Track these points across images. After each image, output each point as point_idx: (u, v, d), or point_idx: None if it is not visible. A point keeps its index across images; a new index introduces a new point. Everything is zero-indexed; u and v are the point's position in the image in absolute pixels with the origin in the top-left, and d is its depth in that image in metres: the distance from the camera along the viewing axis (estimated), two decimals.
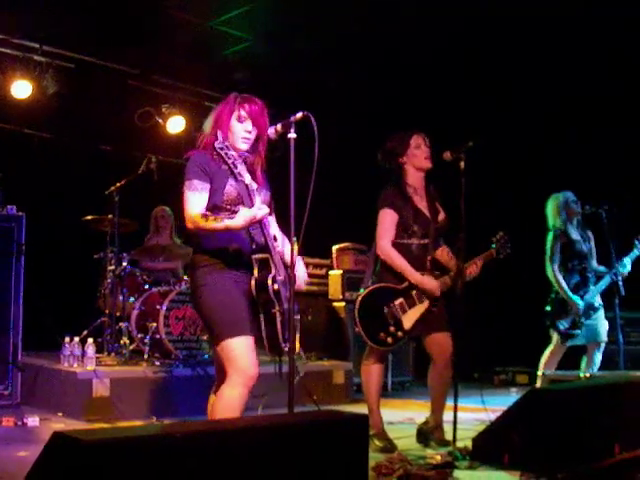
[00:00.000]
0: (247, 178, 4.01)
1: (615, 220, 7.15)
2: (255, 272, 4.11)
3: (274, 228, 4.45)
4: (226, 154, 3.93)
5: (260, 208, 3.95)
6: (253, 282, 4.10)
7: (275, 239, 4.29)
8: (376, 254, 5.61)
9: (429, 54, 9.05)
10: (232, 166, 3.94)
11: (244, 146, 4.29)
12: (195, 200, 4.09)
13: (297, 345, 4.21)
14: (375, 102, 9.89)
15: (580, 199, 7.42)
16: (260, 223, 4.01)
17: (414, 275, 5.45)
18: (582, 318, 7.19)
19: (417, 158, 5.64)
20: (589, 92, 8.83)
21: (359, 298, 5.51)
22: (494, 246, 5.70)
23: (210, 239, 4.14)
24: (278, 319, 4.10)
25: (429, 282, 5.45)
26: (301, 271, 4.39)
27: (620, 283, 7.16)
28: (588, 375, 6.65)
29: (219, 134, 4.06)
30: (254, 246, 4.13)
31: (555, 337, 7.35)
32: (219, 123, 4.27)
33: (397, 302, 5.45)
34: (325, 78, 9.68)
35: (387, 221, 5.55)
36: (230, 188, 4.12)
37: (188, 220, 4.09)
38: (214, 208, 4.00)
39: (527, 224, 7.82)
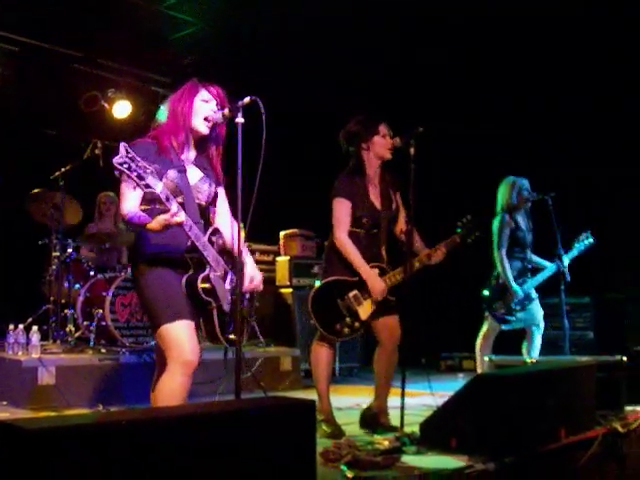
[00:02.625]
0: (158, 186, 3.79)
1: (560, 208, 7.22)
2: (189, 271, 4.11)
3: (223, 217, 4.41)
4: (128, 168, 3.67)
5: (175, 215, 3.85)
6: (183, 282, 4.10)
7: (217, 232, 4.26)
8: (331, 243, 5.58)
9: (379, 36, 9.03)
10: (136, 179, 3.70)
11: (205, 129, 4.26)
12: (129, 195, 4.07)
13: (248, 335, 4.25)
14: (324, 86, 9.87)
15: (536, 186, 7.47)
16: (181, 227, 3.93)
17: (364, 271, 5.44)
18: (518, 306, 7.27)
19: (381, 147, 5.59)
20: (536, 73, 8.92)
21: (312, 293, 5.51)
22: (459, 231, 5.65)
23: (148, 234, 4.11)
24: (215, 315, 4.12)
25: (375, 282, 5.44)
26: (253, 271, 4.39)
27: (566, 269, 7.23)
28: (534, 360, 6.72)
29: (122, 147, 3.71)
30: (189, 243, 4.08)
31: (488, 320, 7.45)
32: (179, 106, 4.23)
33: (351, 294, 5.44)
34: (274, 62, 9.63)
35: (342, 211, 5.52)
36: (166, 181, 4.06)
37: (120, 215, 4.11)
38: (149, 201, 4.03)
39: (475, 208, 7.86)
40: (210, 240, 4.18)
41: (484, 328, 7.50)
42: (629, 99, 8.63)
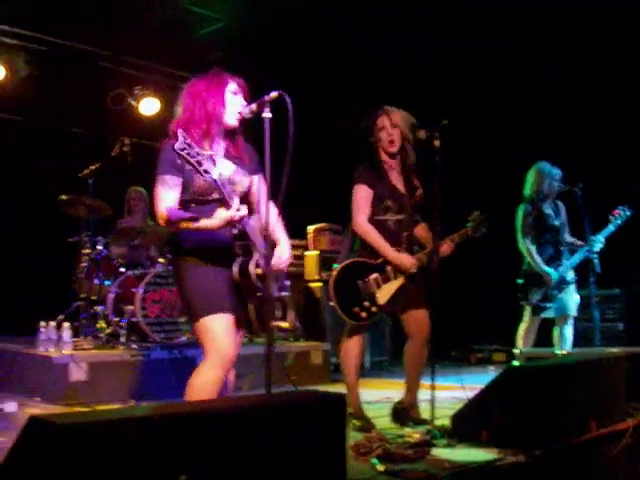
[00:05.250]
0: (214, 172, 3.82)
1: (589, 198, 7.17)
2: (238, 258, 4.09)
3: (262, 205, 4.26)
4: (188, 154, 3.73)
5: (238, 209, 3.88)
6: (236, 268, 4.07)
7: (257, 220, 4.24)
8: (352, 230, 5.59)
9: (404, 26, 9.01)
10: (196, 165, 3.75)
11: (235, 122, 4.25)
12: (166, 196, 4.04)
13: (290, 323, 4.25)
14: (351, 80, 9.86)
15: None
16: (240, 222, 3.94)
17: (389, 251, 5.44)
18: (554, 291, 7.18)
19: (382, 141, 5.61)
20: (566, 66, 8.86)
21: (334, 272, 5.48)
22: (469, 225, 5.69)
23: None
24: (265, 302, 4.04)
25: (404, 259, 5.45)
26: (281, 250, 4.34)
27: (596, 261, 7.16)
28: (564, 352, 6.69)
29: (180, 134, 3.78)
30: (235, 232, 4.07)
31: (527, 311, 7.36)
32: (209, 97, 4.18)
33: (372, 277, 5.43)
34: (299, 57, 9.63)
35: (361, 197, 5.52)
36: (199, 181, 4.04)
37: (159, 217, 4.06)
38: (185, 202, 4.03)
39: (501, 199, 7.81)
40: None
41: (524, 322, 7.39)
42: None
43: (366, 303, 5.39)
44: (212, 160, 3.90)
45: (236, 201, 3.88)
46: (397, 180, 5.64)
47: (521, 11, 8.31)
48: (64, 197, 8.06)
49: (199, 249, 4.13)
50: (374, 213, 5.53)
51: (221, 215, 3.88)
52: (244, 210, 3.91)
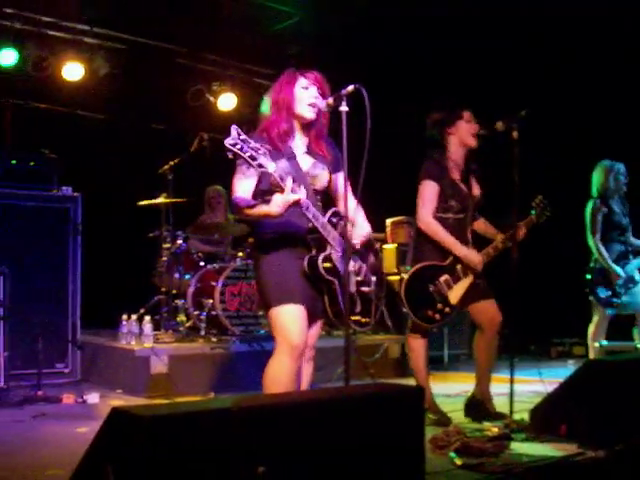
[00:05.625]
0: (270, 166, 3.81)
1: None
2: (312, 251, 4.14)
3: (342, 201, 4.27)
4: (241, 149, 3.72)
5: (291, 192, 3.86)
6: (305, 262, 4.12)
7: (337, 214, 4.27)
8: (417, 227, 5.56)
9: (479, 24, 8.93)
10: (249, 159, 3.74)
11: (311, 115, 4.26)
12: (240, 186, 4.13)
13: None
14: (428, 73, 9.80)
15: (632, 170, 7.34)
16: (299, 206, 3.94)
17: (458, 248, 5.41)
18: (622, 289, 7.13)
19: (465, 133, 5.55)
20: None
21: (404, 281, 5.43)
22: (534, 212, 5.66)
23: (264, 221, 4.18)
24: (339, 295, 4.09)
25: (474, 256, 5.42)
26: (359, 228, 4.37)
27: None
28: None
29: (233, 129, 3.77)
30: (310, 225, 4.10)
31: (596, 307, 7.32)
32: (280, 96, 4.26)
33: (442, 279, 5.41)
34: (376, 51, 9.61)
35: (428, 193, 5.48)
36: (278, 169, 4.06)
37: (232, 206, 4.18)
38: (263, 193, 4.07)
39: (582, 192, 7.71)
40: (330, 221, 4.19)
41: (595, 317, 7.36)
42: None
43: (439, 305, 5.37)
44: (286, 154, 4.02)
45: (289, 183, 3.86)
46: (458, 178, 5.60)
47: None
48: (143, 203, 8.22)
49: (275, 240, 4.19)
50: (436, 210, 5.50)
51: (277, 200, 3.89)
52: (297, 194, 3.88)
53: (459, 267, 5.43)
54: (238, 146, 3.71)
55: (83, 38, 9.11)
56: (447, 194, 5.49)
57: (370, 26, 9.25)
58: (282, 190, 3.88)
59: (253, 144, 3.75)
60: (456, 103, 5.69)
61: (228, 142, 3.71)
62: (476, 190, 5.69)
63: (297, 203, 3.90)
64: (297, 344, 4.04)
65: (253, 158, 3.74)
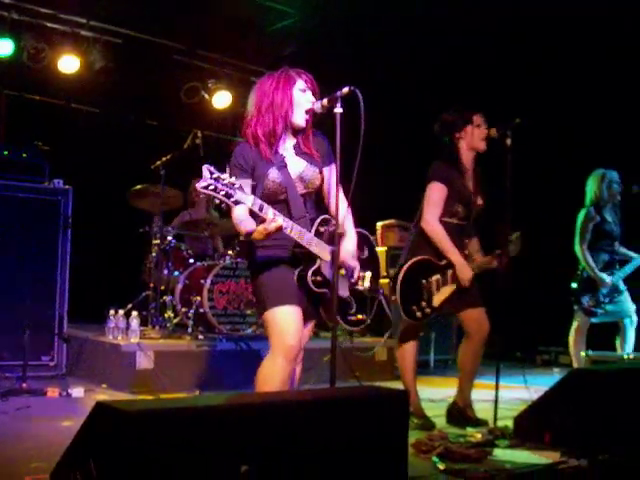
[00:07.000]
0: (249, 201, 3.77)
1: None
2: (301, 265, 4.14)
3: (332, 198, 4.26)
4: (215, 189, 3.63)
5: (272, 221, 3.84)
6: (295, 277, 4.14)
7: (326, 221, 4.23)
8: (420, 227, 5.53)
9: (475, 31, 8.94)
10: (224, 199, 3.66)
11: (304, 122, 4.24)
12: (235, 211, 4.06)
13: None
14: (423, 78, 9.82)
15: (626, 178, 7.37)
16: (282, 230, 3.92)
17: (456, 256, 5.41)
18: (606, 298, 7.18)
19: (475, 137, 5.55)
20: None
21: (404, 267, 5.40)
22: (510, 245, 5.57)
23: None
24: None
25: (467, 270, 5.42)
26: (345, 248, 4.30)
27: None
28: (631, 356, 6.61)
29: (205, 170, 3.62)
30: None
31: (578, 314, 7.39)
32: (278, 97, 4.19)
33: (434, 278, 5.42)
34: (372, 53, 9.62)
35: (437, 195, 5.46)
36: (268, 182, 4.12)
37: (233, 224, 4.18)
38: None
39: (571, 200, 7.74)
40: (318, 231, 4.17)
41: (575, 323, 7.44)
42: None
43: (423, 303, 5.37)
44: (259, 177, 4.09)
45: (270, 213, 3.86)
46: (468, 184, 5.60)
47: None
48: (138, 187, 8.19)
49: (269, 247, 4.18)
50: (442, 214, 5.49)
51: (259, 229, 3.91)
52: (279, 221, 3.86)
53: (450, 272, 5.43)
54: (211, 187, 3.62)
55: (80, 31, 9.10)
56: (455, 198, 5.48)
57: (367, 28, 9.25)
58: (280, 201, 4.04)
59: (227, 180, 3.66)
60: (467, 106, 5.68)
61: (200, 185, 3.61)
62: (479, 200, 5.68)
63: (279, 229, 3.89)
64: (293, 345, 4.03)
65: (228, 196, 3.67)
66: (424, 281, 5.39)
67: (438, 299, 5.42)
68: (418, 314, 5.36)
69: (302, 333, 4.14)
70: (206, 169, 3.63)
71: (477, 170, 5.68)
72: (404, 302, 5.35)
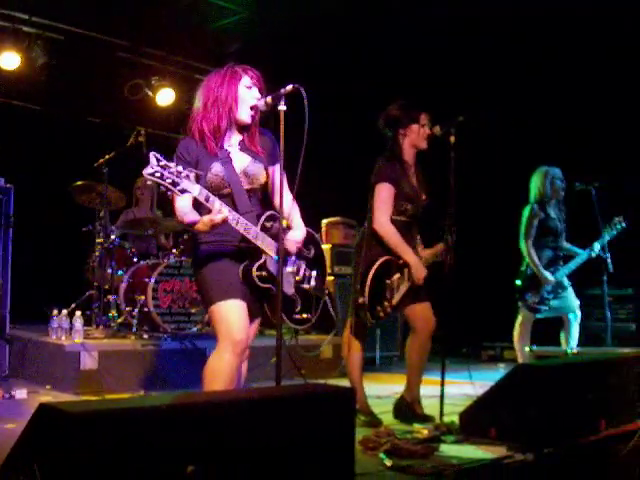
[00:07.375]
0: (195, 190, 3.78)
1: (605, 198, 7.19)
2: (246, 260, 4.14)
3: (278, 195, 4.22)
4: (161, 176, 3.64)
5: (219, 212, 3.87)
6: (240, 271, 4.14)
7: (272, 217, 4.23)
8: (372, 228, 5.50)
9: (420, 27, 8.99)
10: (170, 186, 3.67)
11: (249, 119, 4.26)
12: (178, 202, 4.09)
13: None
14: (366, 74, 9.84)
15: (569, 176, 7.45)
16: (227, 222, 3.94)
17: (411, 256, 5.41)
18: (550, 295, 7.26)
19: (418, 136, 5.55)
20: (583, 64, 8.82)
21: (373, 269, 5.34)
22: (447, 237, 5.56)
23: None
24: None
25: (422, 269, 5.43)
26: (292, 236, 4.33)
27: (609, 260, 7.20)
28: (575, 352, 6.69)
29: (151, 157, 3.64)
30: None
31: (522, 310, 7.48)
32: (222, 93, 4.21)
33: (395, 277, 5.42)
34: (318, 51, 9.62)
35: (385, 195, 5.43)
36: (211, 175, 4.13)
37: (175, 216, 4.18)
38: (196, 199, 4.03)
39: (514, 198, 7.81)
40: (264, 226, 4.17)
41: (519, 318, 7.51)
42: None
43: (385, 303, 5.37)
44: (203, 169, 4.06)
45: (217, 204, 3.89)
46: (413, 179, 5.61)
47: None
48: (79, 183, 8.09)
49: (213, 243, 4.19)
50: (391, 212, 5.48)
51: (204, 220, 3.92)
52: (224, 212, 3.89)
53: (406, 270, 5.44)
54: (158, 174, 3.63)
55: (22, 27, 8.97)
56: (402, 197, 5.47)
57: (315, 26, 9.25)
58: (224, 195, 4.03)
59: (174, 168, 3.67)
60: (414, 104, 5.68)
61: (147, 172, 3.62)
62: (423, 195, 5.69)
63: (225, 221, 3.89)
64: (240, 339, 4.02)
65: (175, 184, 3.67)
66: (388, 281, 5.39)
67: (397, 297, 5.42)
68: (381, 314, 5.36)
69: (248, 329, 4.14)
70: (153, 156, 3.63)
71: (418, 166, 5.69)
72: (370, 304, 5.33)
